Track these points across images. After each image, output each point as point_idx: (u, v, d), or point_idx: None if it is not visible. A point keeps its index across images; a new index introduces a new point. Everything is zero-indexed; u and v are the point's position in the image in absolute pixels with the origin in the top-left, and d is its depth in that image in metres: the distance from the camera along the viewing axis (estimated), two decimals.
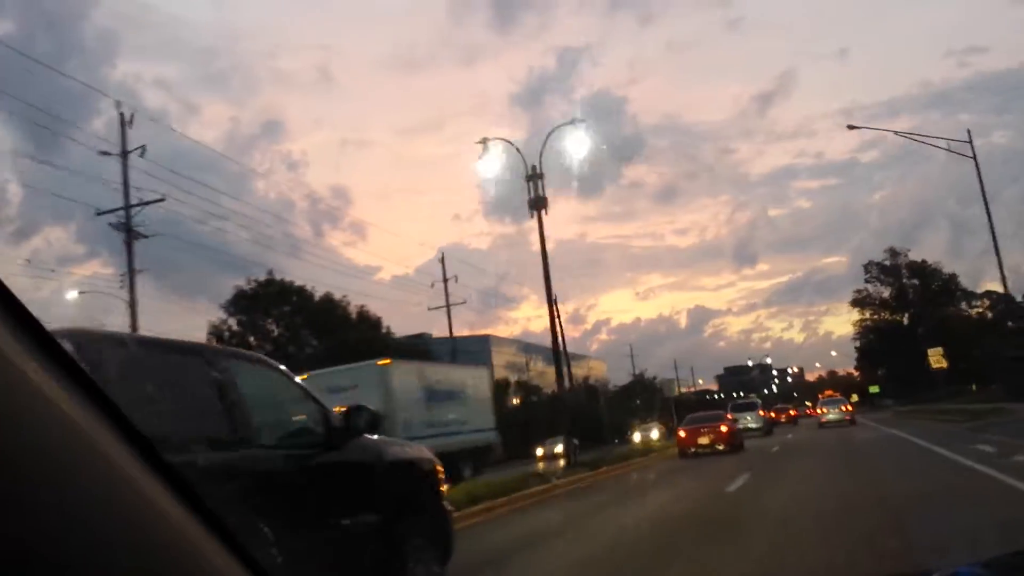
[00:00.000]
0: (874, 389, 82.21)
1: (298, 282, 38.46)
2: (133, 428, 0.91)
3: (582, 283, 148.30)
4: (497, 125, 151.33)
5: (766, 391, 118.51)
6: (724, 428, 24.89)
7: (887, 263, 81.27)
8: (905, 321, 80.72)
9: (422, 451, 5.94)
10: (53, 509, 0.74)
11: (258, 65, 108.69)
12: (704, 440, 24.49)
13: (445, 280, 53.41)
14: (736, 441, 24.75)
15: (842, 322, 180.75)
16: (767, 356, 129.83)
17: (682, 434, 25.22)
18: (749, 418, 36.60)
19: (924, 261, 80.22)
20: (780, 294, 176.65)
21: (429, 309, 50.59)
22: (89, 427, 0.84)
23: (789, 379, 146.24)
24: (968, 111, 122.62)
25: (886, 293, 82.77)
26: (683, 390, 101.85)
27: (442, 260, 50.82)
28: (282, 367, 4.94)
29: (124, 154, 23.61)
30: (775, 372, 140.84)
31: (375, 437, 5.18)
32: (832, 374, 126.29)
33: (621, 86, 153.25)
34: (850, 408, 40.98)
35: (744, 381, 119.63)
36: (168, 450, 1.39)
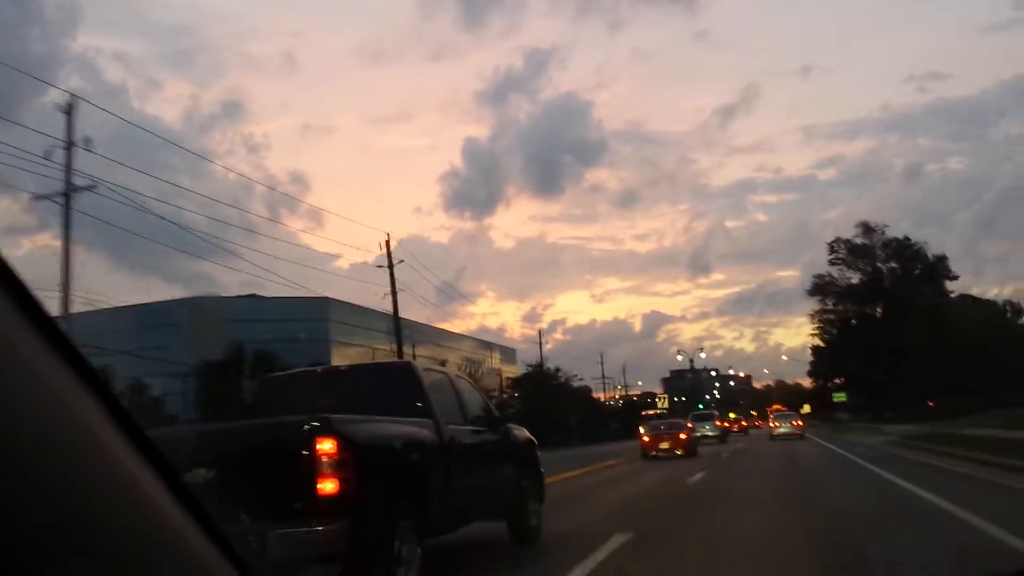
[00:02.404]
0: (840, 397, 62.59)
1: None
2: (128, 416, 0.98)
3: (540, 282, 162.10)
4: (462, 121, 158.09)
5: (707, 396, 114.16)
6: (683, 436, 29.89)
7: (858, 241, 61.41)
8: (878, 314, 60.54)
9: (526, 432, 9.97)
10: (48, 491, 0.79)
11: (223, 47, 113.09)
12: (664, 445, 29.21)
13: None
14: (692, 448, 29.90)
15: (792, 334, 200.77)
16: (702, 354, 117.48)
17: (646, 439, 30.25)
18: (707, 427, 42.92)
19: (907, 238, 60.62)
20: (733, 304, 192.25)
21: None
22: (87, 413, 0.90)
23: (732, 383, 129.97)
24: (927, 136, 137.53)
25: (855, 279, 63.07)
26: (623, 393, 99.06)
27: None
28: (469, 380, 10.33)
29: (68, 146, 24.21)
30: (713, 374, 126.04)
31: (511, 425, 9.82)
32: (780, 383, 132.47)
33: (588, 90, 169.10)
34: (800, 423, 46.07)
35: (687, 385, 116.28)
36: (454, 423, 7.77)
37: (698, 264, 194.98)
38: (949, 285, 65.90)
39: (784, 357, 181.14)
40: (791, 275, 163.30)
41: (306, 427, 5.54)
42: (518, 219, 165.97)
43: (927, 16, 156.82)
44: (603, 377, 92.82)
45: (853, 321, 68.02)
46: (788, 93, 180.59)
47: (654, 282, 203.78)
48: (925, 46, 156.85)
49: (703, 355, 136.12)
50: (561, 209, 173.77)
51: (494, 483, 8.45)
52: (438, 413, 7.36)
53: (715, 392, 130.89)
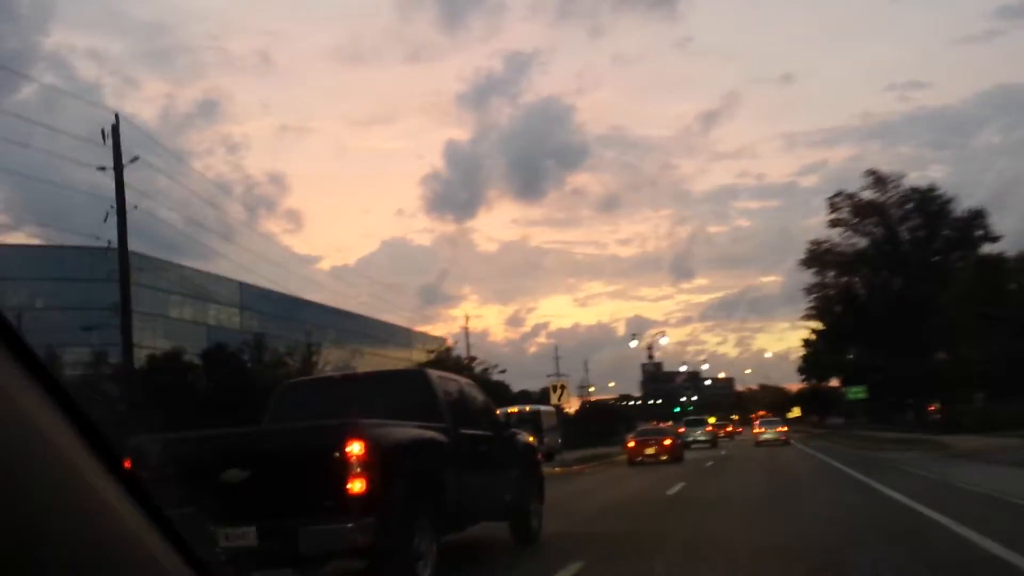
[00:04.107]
0: (857, 393, 46.87)
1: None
2: (91, 425, 0.99)
3: (523, 285, 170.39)
4: (443, 124, 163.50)
5: (682, 399, 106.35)
6: (667, 441, 31.93)
7: (868, 196, 45.08)
8: (896, 286, 43.44)
9: (528, 437, 11.43)
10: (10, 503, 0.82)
11: (201, 45, 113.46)
12: (650, 451, 30.92)
13: None
14: (678, 453, 32.44)
15: (775, 339, 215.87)
16: (663, 340, 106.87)
17: (631, 444, 32.29)
18: (698, 432, 46.60)
19: (932, 188, 44.24)
20: (716, 309, 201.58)
21: None
22: (49, 424, 0.91)
23: (708, 382, 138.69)
24: (907, 144, 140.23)
25: (863, 243, 46.08)
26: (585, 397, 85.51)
27: None
28: (478, 387, 10.72)
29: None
30: (683, 368, 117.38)
31: (515, 430, 11.34)
32: (764, 387, 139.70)
33: (569, 94, 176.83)
34: (785, 429, 48.89)
35: (667, 389, 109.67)
36: (465, 427, 8.46)
37: (681, 269, 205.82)
38: (988, 249, 50.06)
39: (768, 354, 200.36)
40: (774, 280, 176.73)
41: (338, 430, 6.38)
42: (500, 222, 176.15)
43: (907, 26, 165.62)
44: (557, 374, 75.97)
45: (862, 293, 51.84)
46: (770, 100, 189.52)
47: (637, 287, 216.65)
48: (905, 55, 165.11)
49: (664, 341, 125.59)
50: (543, 213, 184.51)
51: (501, 485, 9.56)
52: (450, 418, 8.33)
53: (690, 394, 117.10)
